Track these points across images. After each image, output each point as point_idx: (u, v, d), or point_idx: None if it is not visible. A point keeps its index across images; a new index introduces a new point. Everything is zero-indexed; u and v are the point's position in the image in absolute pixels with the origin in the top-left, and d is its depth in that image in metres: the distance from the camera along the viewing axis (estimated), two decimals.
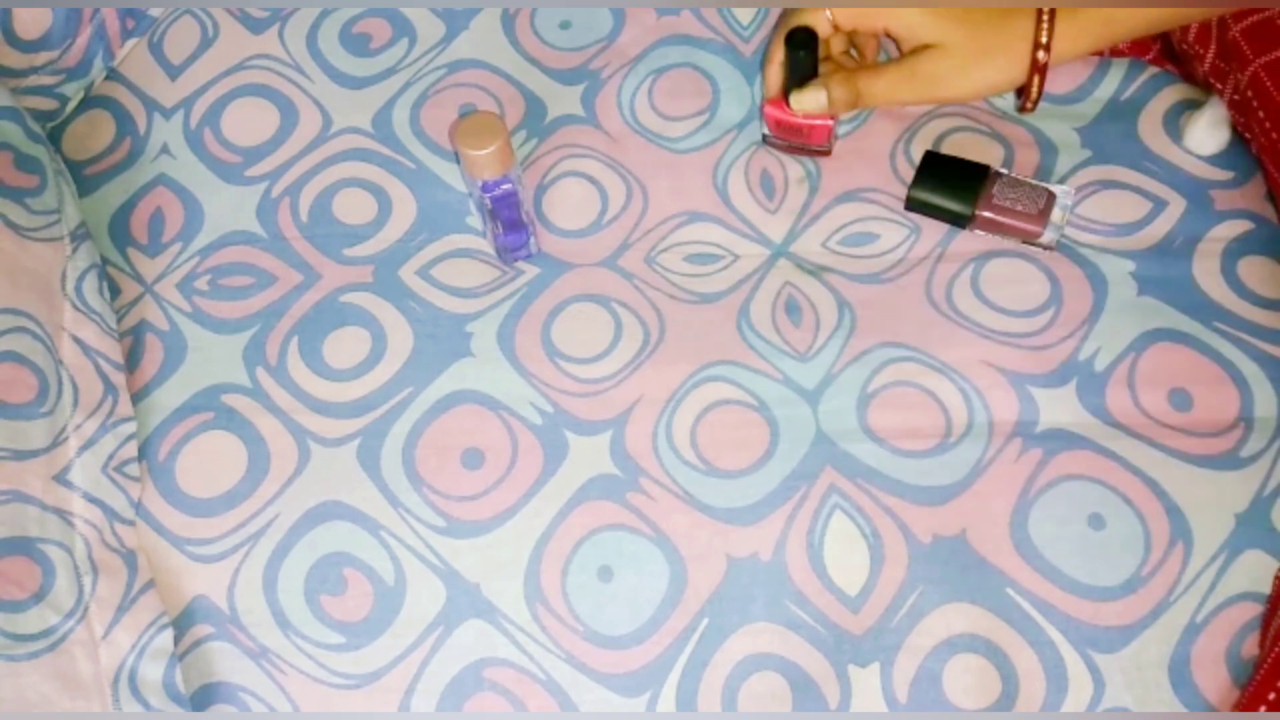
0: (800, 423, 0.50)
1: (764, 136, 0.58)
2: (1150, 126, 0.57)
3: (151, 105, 0.62)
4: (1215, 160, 0.55)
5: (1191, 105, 0.56)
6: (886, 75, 0.54)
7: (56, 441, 0.48)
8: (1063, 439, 0.49)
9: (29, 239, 0.51)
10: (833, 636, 0.46)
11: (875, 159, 0.57)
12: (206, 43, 0.63)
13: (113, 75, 0.63)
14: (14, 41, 0.57)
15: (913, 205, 0.55)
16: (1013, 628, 0.46)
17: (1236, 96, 0.50)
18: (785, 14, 0.57)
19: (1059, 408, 0.50)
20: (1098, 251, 0.53)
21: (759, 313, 0.53)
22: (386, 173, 0.59)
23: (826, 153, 0.57)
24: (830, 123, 0.55)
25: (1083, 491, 0.48)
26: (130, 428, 0.51)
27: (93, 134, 0.61)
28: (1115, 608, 0.46)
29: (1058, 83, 0.59)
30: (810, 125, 0.55)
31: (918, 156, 0.56)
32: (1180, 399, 0.49)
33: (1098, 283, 0.52)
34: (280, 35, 0.63)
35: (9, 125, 0.54)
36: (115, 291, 0.56)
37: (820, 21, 0.54)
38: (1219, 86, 0.53)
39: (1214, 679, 0.44)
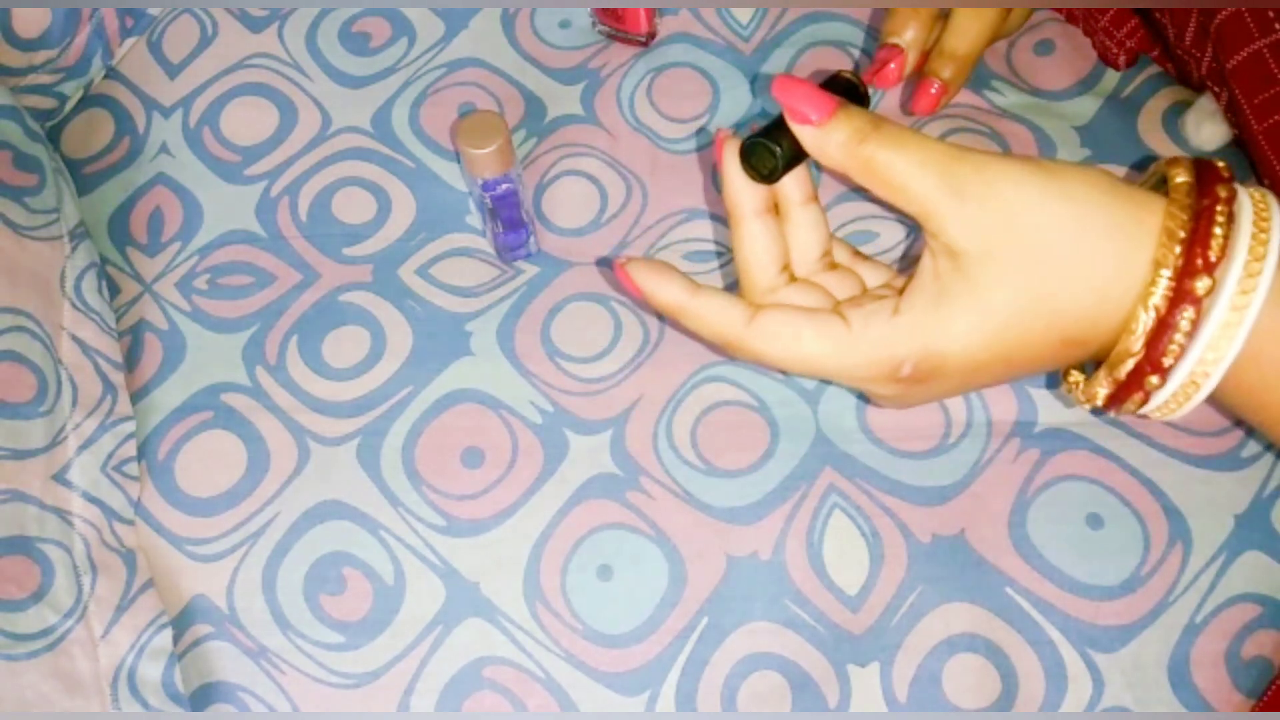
0: (800, 423, 0.50)
1: (593, 23, 0.62)
2: (1150, 125, 0.57)
3: (150, 104, 0.62)
4: (1213, 160, 0.55)
5: (1191, 105, 0.56)
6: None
7: (55, 441, 0.48)
8: (1061, 439, 0.49)
9: (28, 238, 0.51)
10: (832, 636, 0.46)
11: None
12: (205, 41, 0.63)
13: (112, 74, 0.63)
14: (13, 40, 0.57)
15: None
16: (1012, 627, 0.46)
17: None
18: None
19: (1057, 407, 0.50)
20: None
21: None
22: (386, 172, 0.59)
23: (644, 43, 0.60)
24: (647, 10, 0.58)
25: (1080, 491, 0.48)
26: (129, 427, 0.51)
27: (92, 133, 0.61)
28: (1114, 607, 0.46)
29: (1056, 80, 0.59)
30: (626, 11, 0.59)
31: None
32: None
33: None
34: (279, 34, 0.63)
35: (8, 124, 0.54)
36: (114, 290, 0.56)
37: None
38: (1216, 89, 0.53)
39: (1213, 679, 0.44)
